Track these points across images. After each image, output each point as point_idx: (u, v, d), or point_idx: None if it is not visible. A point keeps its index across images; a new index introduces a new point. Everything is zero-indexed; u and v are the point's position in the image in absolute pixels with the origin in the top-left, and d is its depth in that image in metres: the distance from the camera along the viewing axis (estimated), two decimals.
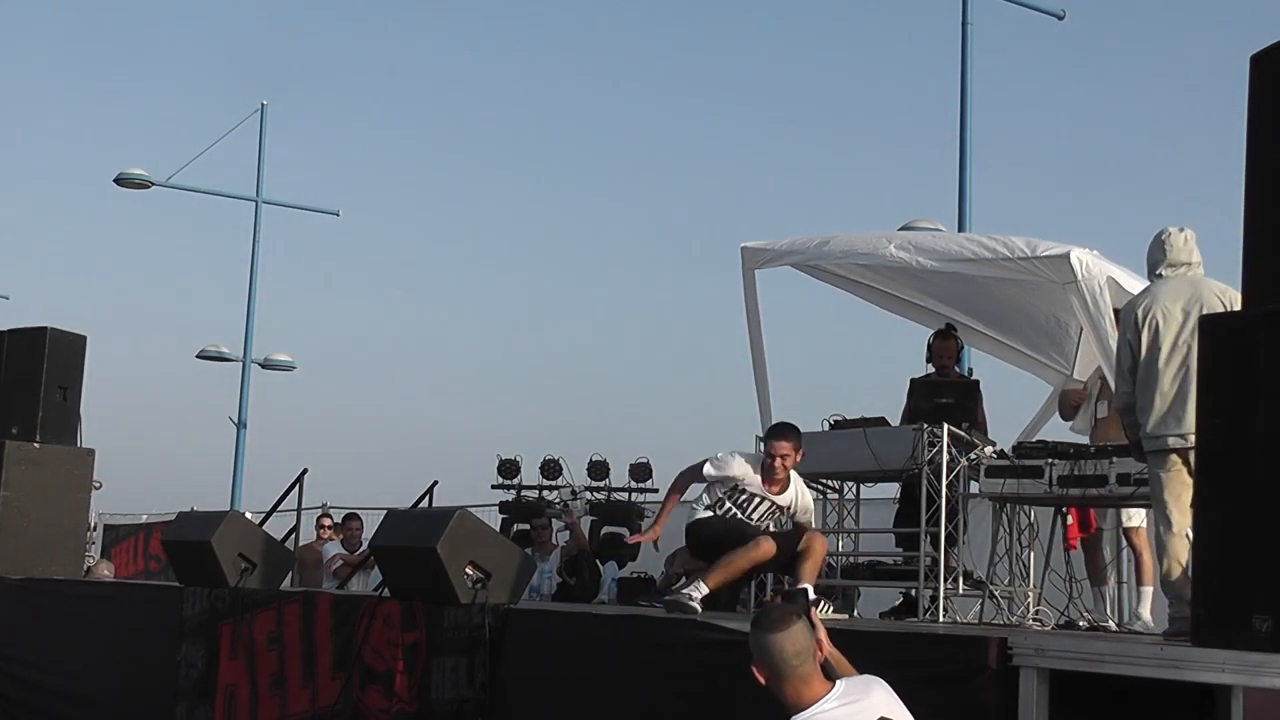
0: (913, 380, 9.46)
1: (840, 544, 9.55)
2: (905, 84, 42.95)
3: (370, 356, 45.15)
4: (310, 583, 12.95)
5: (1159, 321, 6.28)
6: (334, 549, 13.31)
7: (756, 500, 7.52)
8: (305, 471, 11.52)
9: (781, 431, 7.53)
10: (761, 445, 7.73)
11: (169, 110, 45.01)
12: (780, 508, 7.59)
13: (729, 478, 7.48)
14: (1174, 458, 6.18)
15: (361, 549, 12.82)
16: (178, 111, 45.50)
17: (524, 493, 13.34)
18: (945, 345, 9.63)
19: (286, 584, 10.73)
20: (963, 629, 7.27)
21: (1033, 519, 8.62)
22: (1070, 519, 8.68)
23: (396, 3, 45.25)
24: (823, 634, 4.09)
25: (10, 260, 47.91)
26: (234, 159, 39.23)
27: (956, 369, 9.92)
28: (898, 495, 9.42)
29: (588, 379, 41.25)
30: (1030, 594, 8.48)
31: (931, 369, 9.62)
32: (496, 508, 13.37)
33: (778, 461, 7.39)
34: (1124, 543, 8.71)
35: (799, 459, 7.49)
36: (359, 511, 13.94)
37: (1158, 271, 6.51)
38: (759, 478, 7.46)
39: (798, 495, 7.63)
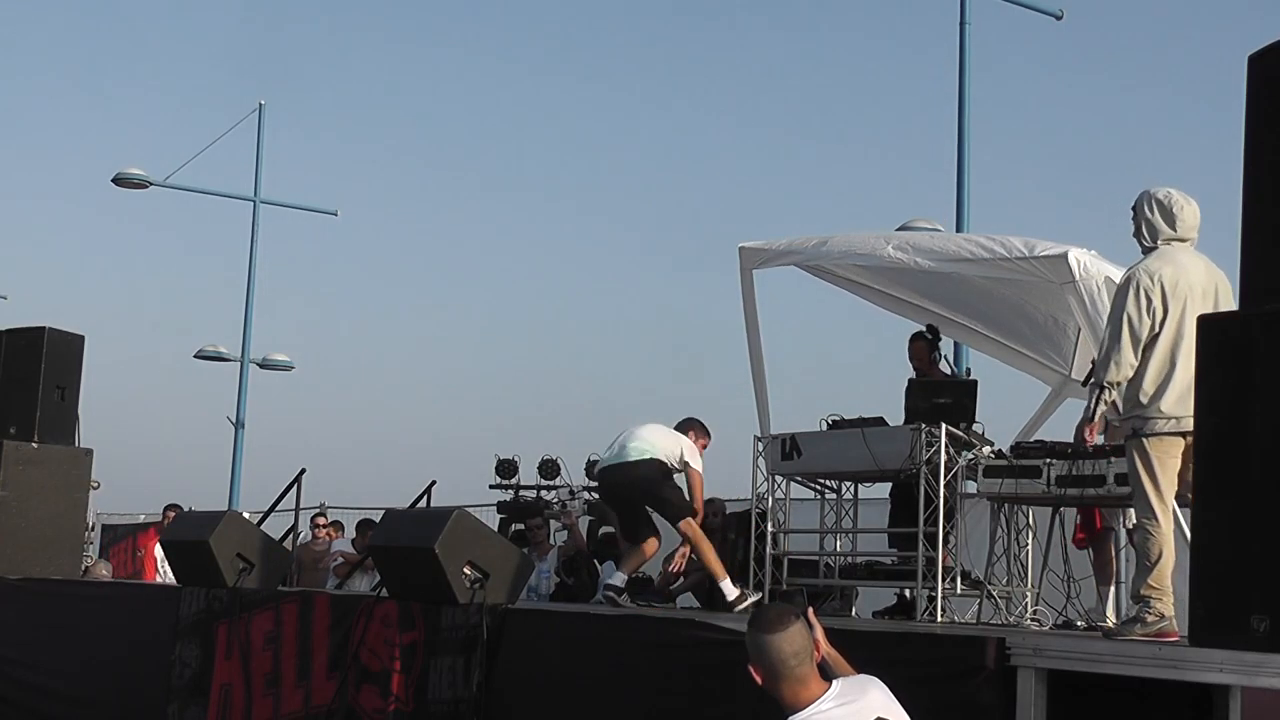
0: (910, 380, 9.45)
1: (838, 544, 9.55)
2: (903, 84, 43.00)
3: (368, 356, 45.16)
4: (308, 583, 12.94)
5: (1187, 295, 5.96)
6: (338, 547, 13.31)
7: None
8: (303, 471, 11.54)
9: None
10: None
11: (167, 110, 45.06)
12: None
13: None
14: (1184, 441, 5.88)
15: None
16: (176, 111, 45.50)
17: (522, 493, 13.34)
18: (914, 347, 9.64)
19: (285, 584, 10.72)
20: (960, 629, 7.27)
21: (1030, 519, 8.62)
22: (1077, 517, 8.67)
23: (394, 3, 45.26)
24: (820, 634, 4.08)
25: (8, 260, 47.96)
26: (232, 159, 39.29)
27: (943, 369, 9.85)
28: (889, 495, 9.43)
29: (586, 379, 41.26)
30: (1028, 594, 8.47)
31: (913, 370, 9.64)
32: (494, 508, 13.36)
33: None
34: (1123, 542, 8.70)
35: None
36: (356, 511, 13.95)
37: (1164, 238, 6.14)
38: None
39: None
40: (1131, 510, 8.28)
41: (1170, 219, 6.18)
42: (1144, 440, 6.00)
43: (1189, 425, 5.71)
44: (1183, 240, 6.19)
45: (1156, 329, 6.01)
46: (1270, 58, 5.42)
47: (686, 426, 9.16)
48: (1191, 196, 6.24)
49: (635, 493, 8.81)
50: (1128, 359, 6.03)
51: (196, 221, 44.84)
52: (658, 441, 8.82)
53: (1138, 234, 6.27)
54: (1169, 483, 5.97)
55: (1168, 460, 5.97)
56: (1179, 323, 5.96)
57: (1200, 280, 6.05)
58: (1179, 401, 5.88)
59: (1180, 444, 5.93)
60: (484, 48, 45.99)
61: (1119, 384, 6.09)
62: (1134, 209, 6.31)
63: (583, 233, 45.77)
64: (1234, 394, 5.21)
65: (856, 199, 39.19)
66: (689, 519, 8.63)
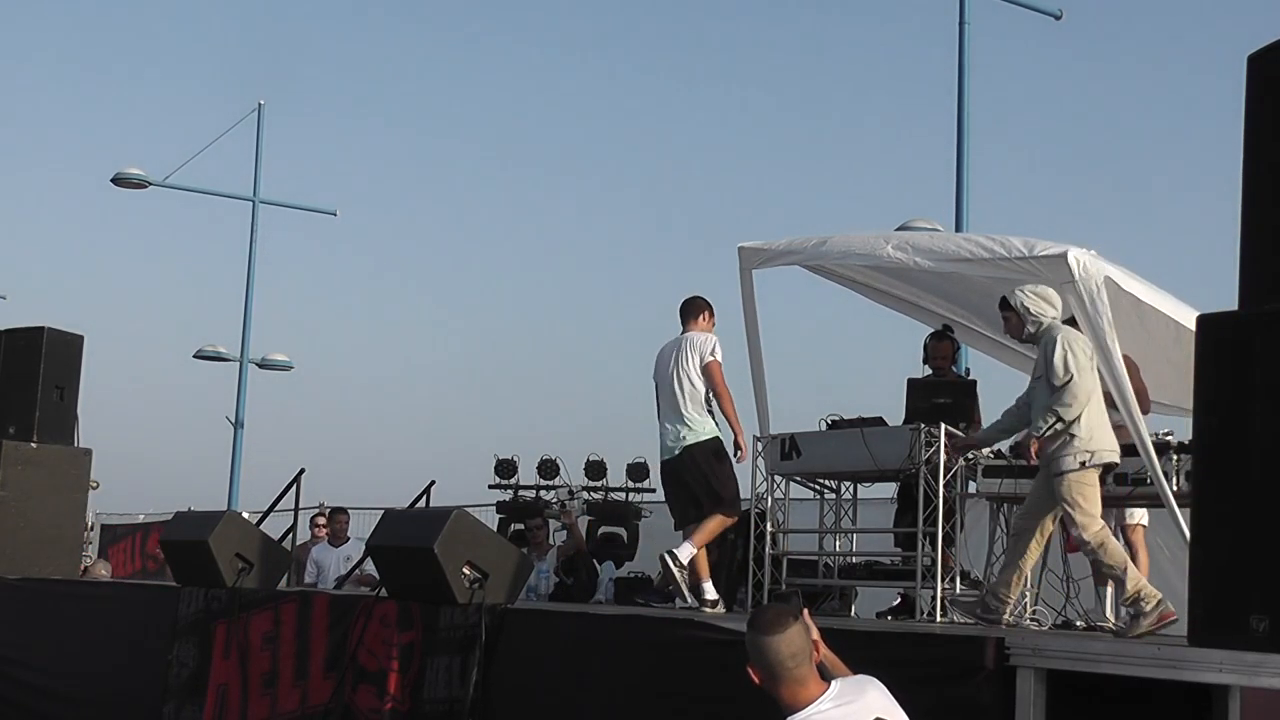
0: (910, 380, 9.45)
1: (838, 544, 9.55)
2: (903, 84, 43.02)
3: (367, 356, 45.19)
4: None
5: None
6: (321, 551, 13.27)
7: None
8: (302, 471, 11.52)
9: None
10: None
11: (166, 110, 45.13)
12: None
13: None
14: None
15: (346, 543, 12.86)
16: (175, 111, 45.58)
17: (521, 493, 13.31)
18: (941, 346, 9.63)
19: (284, 584, 10.72)
20: (960, 629, 7.26)
21: None
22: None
23: (393, 3, 45.27)
24: (817, 635, 4.07)
25: (8, 260, 47.97)
26: (231, 159, 39.35)
27: (953, 369, 9.91)
28: (895, 495, 9.41)
29: (585, 379, 41.27)
30: (1028, 594, 8.46)
31: (928, 370, 9.62)
32: (494, 508, 13.34)
33: None
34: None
35: None
36: (356, 510, 13.91)
37: (1050, 318, 7.03)
38: None
39: None
40: (1127, 510, 8.33)
41: (1049, 302, 7.13)
42: (1085, 472, 6.84)
43: (1105, 459, 6.85)
44: (1063, 321, 7.14)
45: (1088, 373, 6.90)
46: (1270, 58, 5.42)
47: (695, 311, 8.63)
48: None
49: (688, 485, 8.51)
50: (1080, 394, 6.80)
51: (196, 221, 44.93)
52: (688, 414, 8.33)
53: (1024, 323, 7.11)
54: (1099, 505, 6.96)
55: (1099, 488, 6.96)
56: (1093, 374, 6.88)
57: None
58: (1100, 438, 6.83)
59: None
60: (484, 47, 46.04)
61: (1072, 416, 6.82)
62: (1007, 308, 7.22)
63: (583, 232, 45.82)
64: (1233, 394, 5.22)
65: (856, 199, 39.24)
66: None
